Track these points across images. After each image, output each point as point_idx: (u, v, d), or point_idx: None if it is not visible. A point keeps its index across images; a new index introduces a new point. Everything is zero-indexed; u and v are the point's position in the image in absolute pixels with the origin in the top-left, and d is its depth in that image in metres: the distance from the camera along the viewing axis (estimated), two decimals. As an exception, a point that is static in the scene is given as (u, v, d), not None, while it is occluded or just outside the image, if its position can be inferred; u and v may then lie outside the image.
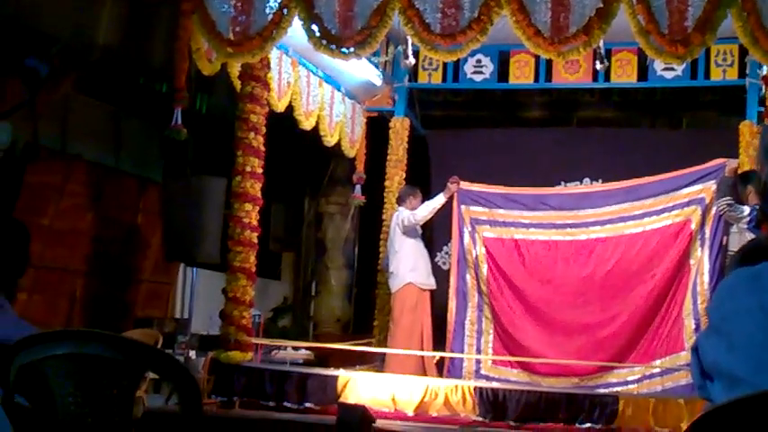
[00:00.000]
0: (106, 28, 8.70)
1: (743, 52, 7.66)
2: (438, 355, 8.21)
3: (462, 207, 8.44)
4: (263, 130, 7.40)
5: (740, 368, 1.68)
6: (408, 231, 8.34)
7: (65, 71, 8.22)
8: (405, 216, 8.32)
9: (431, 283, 8.44)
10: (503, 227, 8.35)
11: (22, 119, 7.83)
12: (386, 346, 8.28)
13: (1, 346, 2.93)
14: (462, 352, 8.24)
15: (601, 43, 7.37)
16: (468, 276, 8.36)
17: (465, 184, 8.46)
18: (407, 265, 8.29)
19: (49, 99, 8.18)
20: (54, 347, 2.76)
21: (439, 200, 8.39)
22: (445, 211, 8.47)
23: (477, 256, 8.34)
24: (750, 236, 6.77)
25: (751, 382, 1.64)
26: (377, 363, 8.45)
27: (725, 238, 7.62)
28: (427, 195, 8.66)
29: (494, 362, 8.22)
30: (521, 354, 8.04)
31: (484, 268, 8.31)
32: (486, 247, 8.33)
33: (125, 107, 9.21)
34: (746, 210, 6.86)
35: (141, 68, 9.07)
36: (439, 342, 8.35)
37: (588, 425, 6.30)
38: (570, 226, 8.19)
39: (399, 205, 8.54)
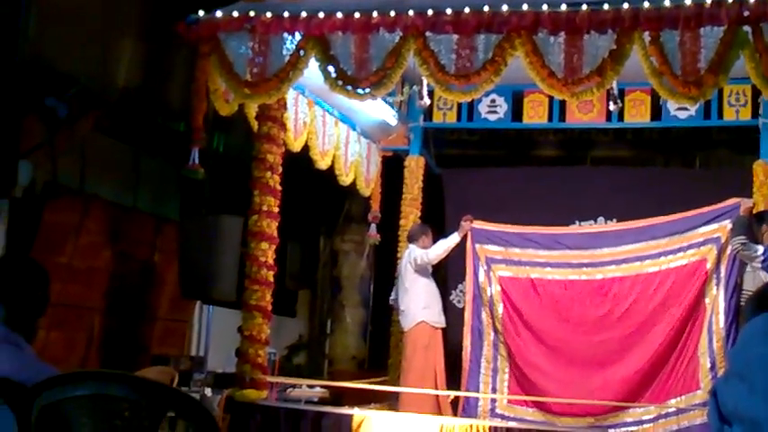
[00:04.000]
0: (125, 69, 8.83)
1: (756, 93, 7.69)
2: (453, 394, 8.17)
3: (477, 246, 8.41)
4: (280, 169, 7.47)
5: (763, 413, 1.67)
6: (420, 270, 8.28)
7: (84, 111, 8.31)
8: (418, 254, 8.26)
9: (442, 321, 8.38)
10: (518, 266, 8.31)
11: (41, 158, 7.92)
12: (399, 385, 8.24)
13: (19, 386, 2.96)
14: (477, 390, 8.19)
15: (614, 83, 7.41)
16: (483, 315, 8.32)
17: (479, 223, 8.44)
18: (419, 303, 8.22)
19: (68, 138, 8.27)
20: (75, 388, 2.79)
21: (453, 239, 8.35)
22: (459, 249, 8.45)
23: (492, 294, 8.31)
24: (764, 275, 6.77)
25: None
26: (391, 401, 8.42)
27: (739, 277, 7.59)
28: (442, 234, 8.63)
29: (509, 401, 8.17)
30: (536, 393, 7.99)
31: (499, 307, 8.27)
32: (501, 285, 8.30)
33: (143, 146, 9.28)
34: (761, 249, 6.85)
35: (160, 109, 9.18)
36: (453, 380, 8.29)
37: (604, 464, 6.28)
38: (586, 265, 8.16)
39: (411, 243, 8.48)
